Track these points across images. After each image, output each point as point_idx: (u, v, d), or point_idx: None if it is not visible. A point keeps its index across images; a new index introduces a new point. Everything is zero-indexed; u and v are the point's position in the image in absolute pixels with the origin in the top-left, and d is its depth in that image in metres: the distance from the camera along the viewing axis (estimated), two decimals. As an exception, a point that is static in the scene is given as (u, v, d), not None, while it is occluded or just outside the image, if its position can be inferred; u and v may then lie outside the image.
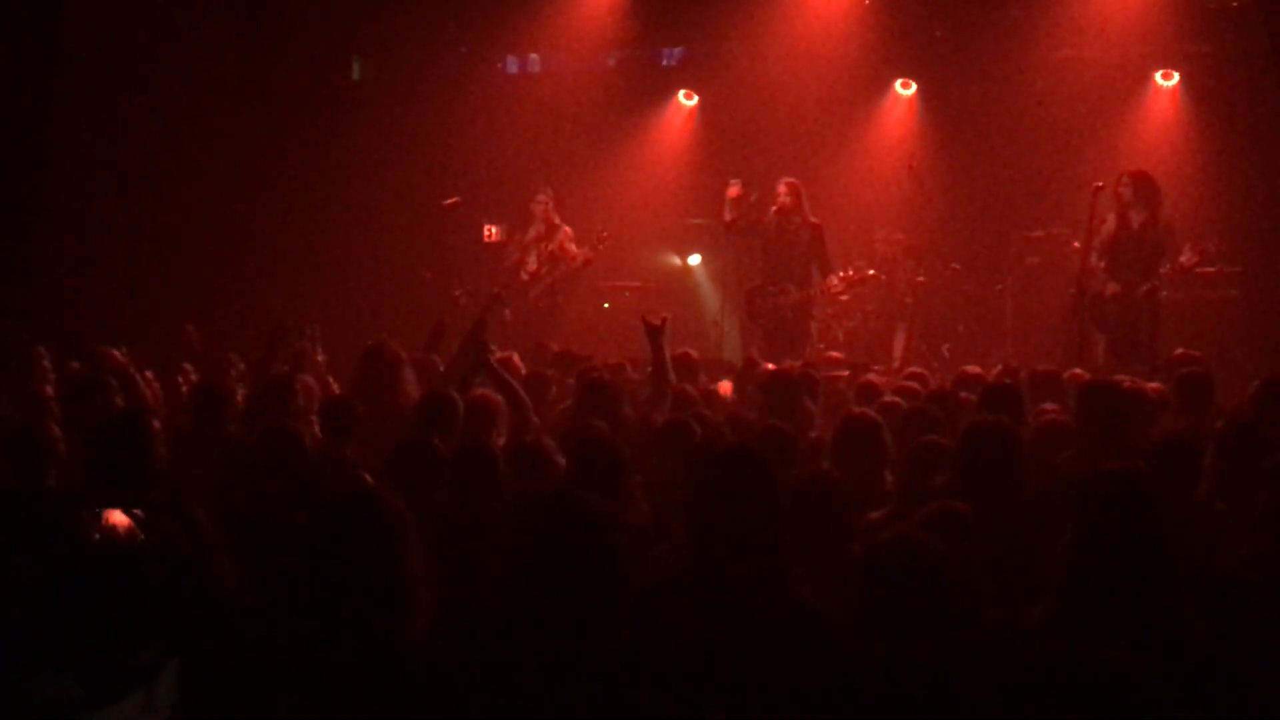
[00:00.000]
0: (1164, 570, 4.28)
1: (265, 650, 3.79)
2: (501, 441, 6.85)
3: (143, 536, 3.89)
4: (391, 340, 8.66)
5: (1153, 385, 8.62)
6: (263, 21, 15.79)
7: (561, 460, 6.19)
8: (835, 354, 11.12)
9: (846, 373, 9.95)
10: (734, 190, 13.30)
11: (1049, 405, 7.73)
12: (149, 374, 8.92)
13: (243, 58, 15.85)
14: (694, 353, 10.20)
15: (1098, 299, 12.04)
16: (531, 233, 14.35)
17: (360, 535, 3.81)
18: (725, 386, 9.90)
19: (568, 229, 14.35)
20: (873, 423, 6.69)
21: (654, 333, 8.25)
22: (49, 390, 8.24)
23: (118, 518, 4.39)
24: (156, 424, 6.13)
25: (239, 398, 8.26)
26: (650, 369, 8.53)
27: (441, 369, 9.07)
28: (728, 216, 13.38)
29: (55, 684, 2.81)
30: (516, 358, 9.53)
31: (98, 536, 4.21)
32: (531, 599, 3.68)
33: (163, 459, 5.87)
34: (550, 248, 14.24)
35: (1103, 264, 12.04)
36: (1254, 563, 4.97)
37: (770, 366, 10.14)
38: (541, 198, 14.40)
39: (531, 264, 14.26)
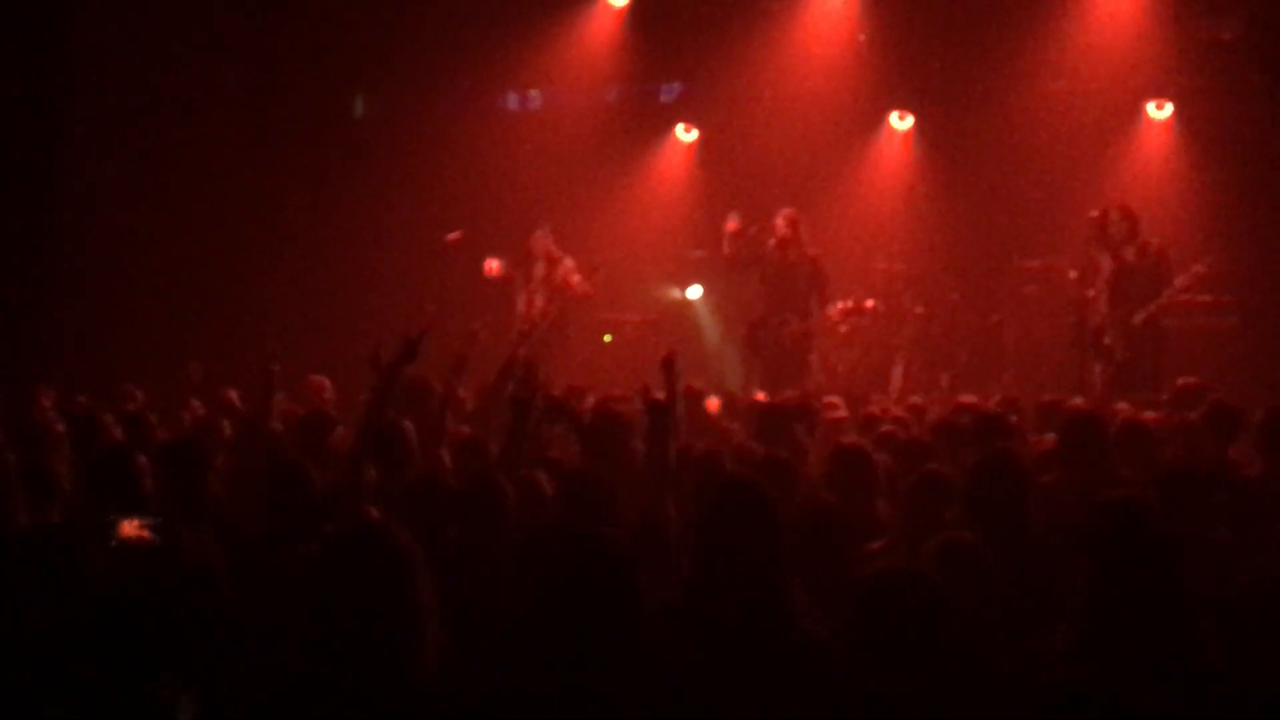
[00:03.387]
0: (1178, 601, 4.30)
1: (274, 684, 3.80)
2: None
3: (155, 547, 3.93)
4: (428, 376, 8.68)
5: (1149, 415, 8.67)
6: (266, 59, 15.89)
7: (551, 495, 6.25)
8: (833, 398, 11.15)
9: (845, 414, 9.96)
10: (732, 225, 13.38)
11: (1050, 435, 7.78)
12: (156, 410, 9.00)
13: (246, 95, 15.95)
14: (698, 384, 10.23)
15: (1098, 329, 12.12)
16: (537, 269, 14.42)
17: (369, 569, 3.81)
18: (713, 403, 9.95)
19: (569, 261, 14.42)
20: (864, 452, 6.76)
21: (668, 367, 8.22)
22: (58, 427, 8.30)
23: (131, 529, 4.44)
24: (143, 460, 6.20)
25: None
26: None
27: (470, 406, 9.13)
28: (727, 250, 13.45)
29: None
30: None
31: (114, 546, 4.26)
32: (547, 634, 3.71)
33: (153, 493, 5.96)
34: (555, 281, 14.32)
35: (1104, 301, 12.13)
36: (1261, 592, 5.00)
37: (760, 396, 10.18)
38: (539, 233, 14.47)
39: (540, 301, 14.33)
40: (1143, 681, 4.04)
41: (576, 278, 14.28)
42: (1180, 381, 9.98)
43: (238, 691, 3.81)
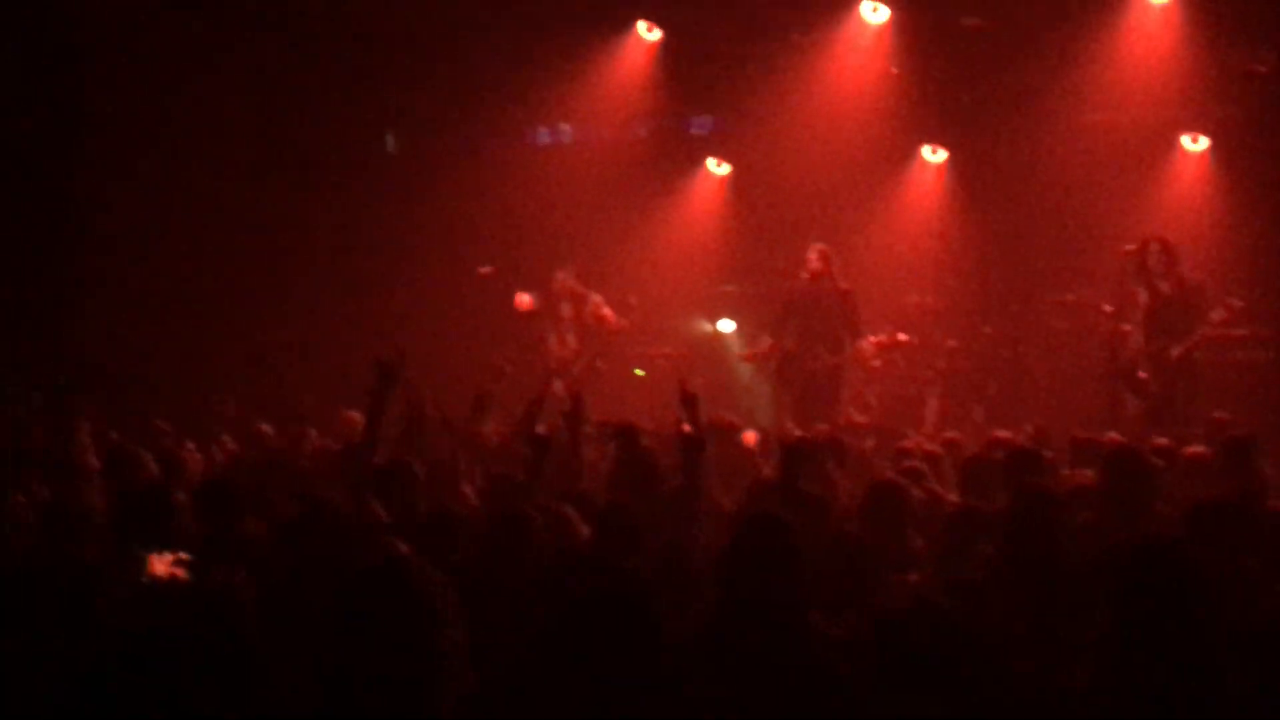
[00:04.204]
0: (1206, 637, 4.27)
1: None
2: None
3: (183, 585, 3.93)
4: (431, 404, 8.72)
5: (1192, 449, 8.60)
6: (297, 94, 16.00)
7: (584, 528, 6.24)
8: (860, 419, 11.15)
9: (872, 442, 9.96)
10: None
11: (1085, 471, 7.73)
12: (190, 445, 9.03)
13: (277, 130, 16.06)
14: (730, 417, 10.21)
15: (1132, 363, 12.05)
16: (564, 309, 14.46)
17: (396, 608, 3.82)
18: (750, 436, 9.92)
19: (595, 296, 14.45)
20: (898, 486, 6.77)
21: (690, 400, 8.23)
22: (92, 462, 8.34)
23: (162, 566, 4.45)
24: (180, 497, 6.22)
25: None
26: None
27: (494, 442, 9.15)
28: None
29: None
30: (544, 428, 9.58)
31: (145, 582, 4.27)
32: (567, 666, 3.71)
33: (188, 531, 5.97)
34: (585, 318, 14.35)
35: (1140, 334, 12.07)
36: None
37: (797, 432, 10.15)
38: (560, 274, 14.52)
39: (572, 341, 14.35)
40: (1166, 717, 4.03)
41: (607, 311, 14.32)
42: (1216, 415, 9.92)
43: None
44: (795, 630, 4.35)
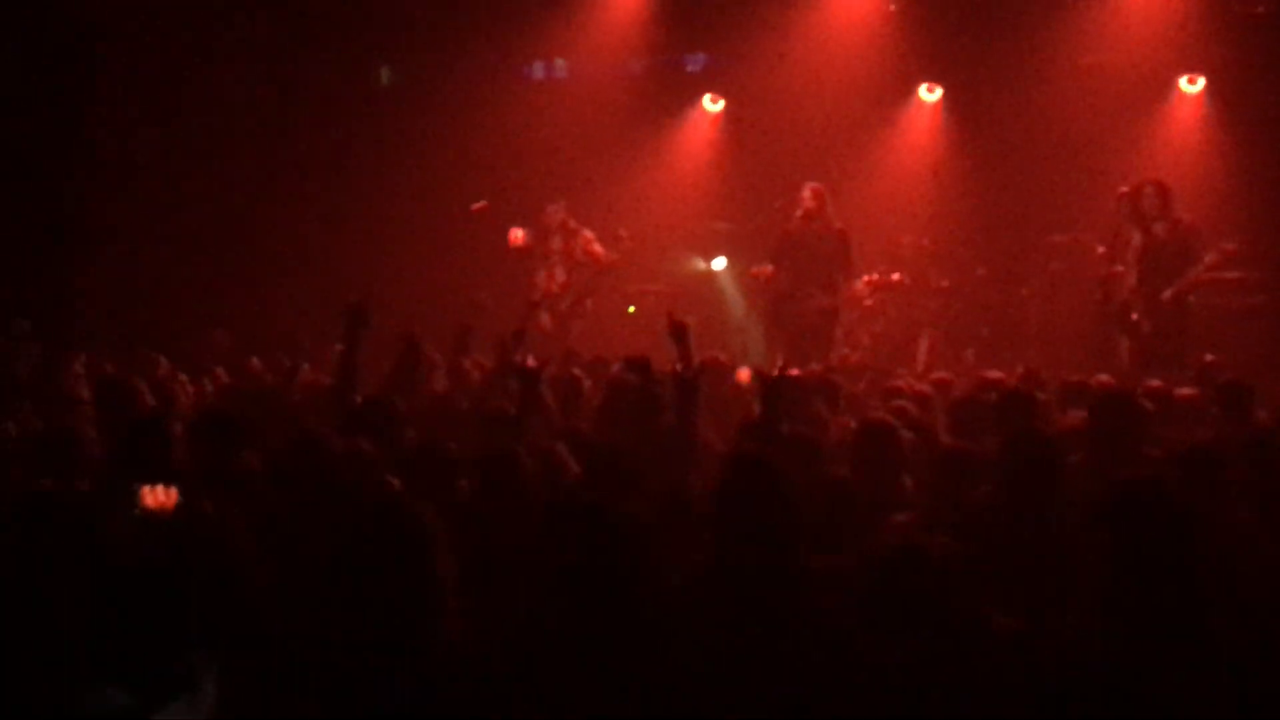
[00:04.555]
0: (1191, 580, 4.30)
1: (299, 654, 3.85)
2: None
3: (177, 518, 3.96)
4: (423, 342, 8.72)
5: (1184, 391, 8.63)
6: (291, 27, 15.87)
7: (574, 466, 6.24)
8: (854, 357, 11.14)
9: (864, 384, 9.94)
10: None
11: (1075, 413, 7.75)
12: (183, 378, 9.02)
13: (271, 63, 15.95)
14: (723, 356, 10.19)
15: (1124, 305, 12.06)
16: (554, 243, 14.45)
17: (390, 542, 3.87)
18: (744, 374, 9.91)
19: (587, 232, 14.43)
20: (890, 427, 6.73)
21: (680, 332, 8.16)
22: (84, 394, 8.33)
23: (154, 499, 4.47)
24: (178, 427, 6.22)
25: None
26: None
27: (476, 375, 9.13)
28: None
29: (106, 692, 2.88)
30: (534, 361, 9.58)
31: (137, 515, 4.30)
32: (567, 605, 3.74)
33: (183, 462, 5.97)
34: (574, 253, 14.34)
35: (1133, 276, 12.07)
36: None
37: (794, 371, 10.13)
38: (551, 208, 14.48)
39: (560, 275, 14.35)
40: (1153, 659, 4.06)
41: (598, 247, 14.31)
42: (1206, 358, 9.95)
43: (262, 662, 3.86)
44: (790, 571, 4.37)
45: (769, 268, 13.23)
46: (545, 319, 13.65)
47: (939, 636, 4.02)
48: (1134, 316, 12.06)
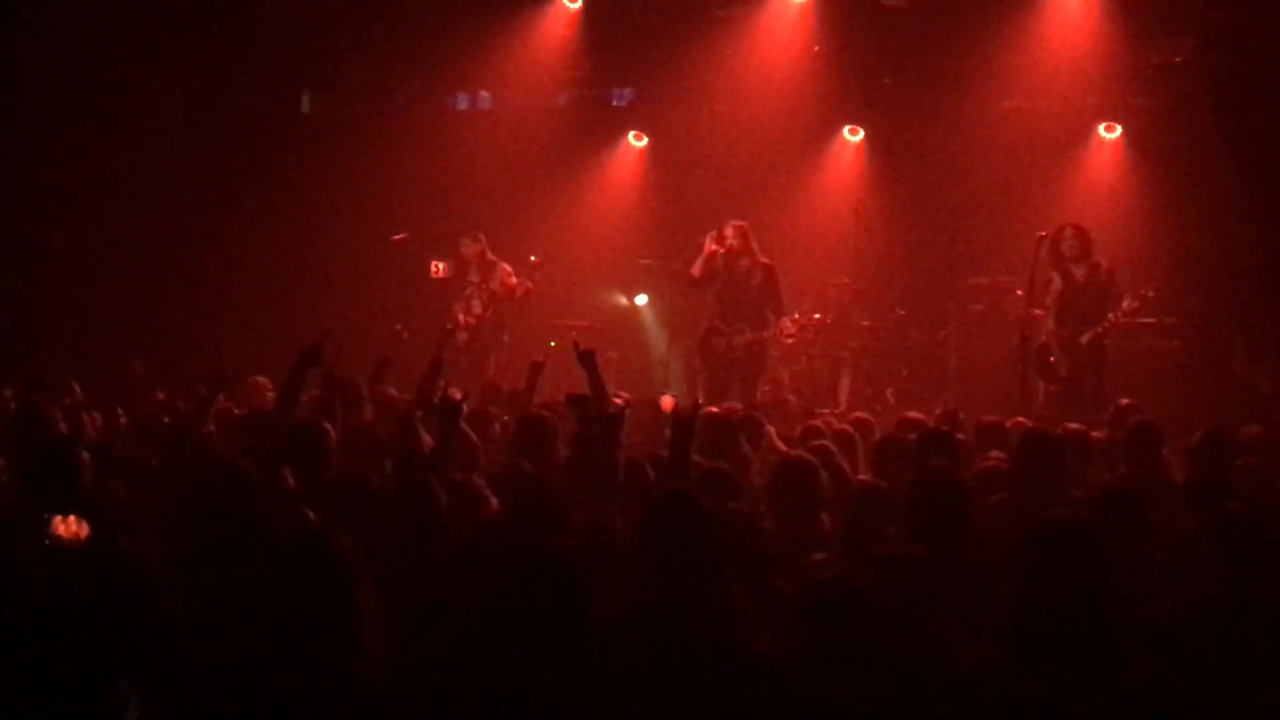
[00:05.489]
0: (1105, 618, 4.33)
1: (220, 686, 3.78)
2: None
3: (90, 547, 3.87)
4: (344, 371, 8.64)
5: (1096, 434, 8.71)
6: (213, 53, 15.72)
7: (492, 499, 6.18)
8: (792, 398, 11.16)
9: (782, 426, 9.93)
10: (711, 247, 13.08)
11: (994, 454, 7.79)
12: (94, 412, 8.89)
13: (193, 88, 15.78)
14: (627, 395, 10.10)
15: (1042, 348, 12.18)
16: (471, 276, 14.43)
17: (310, 574, 3.82)
18: (667, 402, 9.88)
19: (504, 265, 14.42)
20: (809, 465, 6.72)
21: (587, 360, 8.11)
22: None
23: (65, 528, 4.38)
24: (85, 455, 6.10)
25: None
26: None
27: (400, 405, 9.06)
28: (697, 271, 13.15)
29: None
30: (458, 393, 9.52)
31: (48, 544, 4.21)
32: (495, 638, 3.69)
33: (91, 490, 5.86)
34: (491, 286, 14.32)
35: (1051, 319, 12.21)
36: (1195, 612, 5.02)
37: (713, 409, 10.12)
38: (467, 240, 14.46)
39: (476, 307, 14.31)
40: (1064, 696, 4.07)
41: (514, 280, 14.30)
42: (1121, 402, 10.05)
43: (184, 694, 3.79)
44: (716, 606, 4.34)
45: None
46: (460, 336, 13.61)
47: (871, 671, 4.01)
48: (1051, 359, 12.18)
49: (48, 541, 4.73)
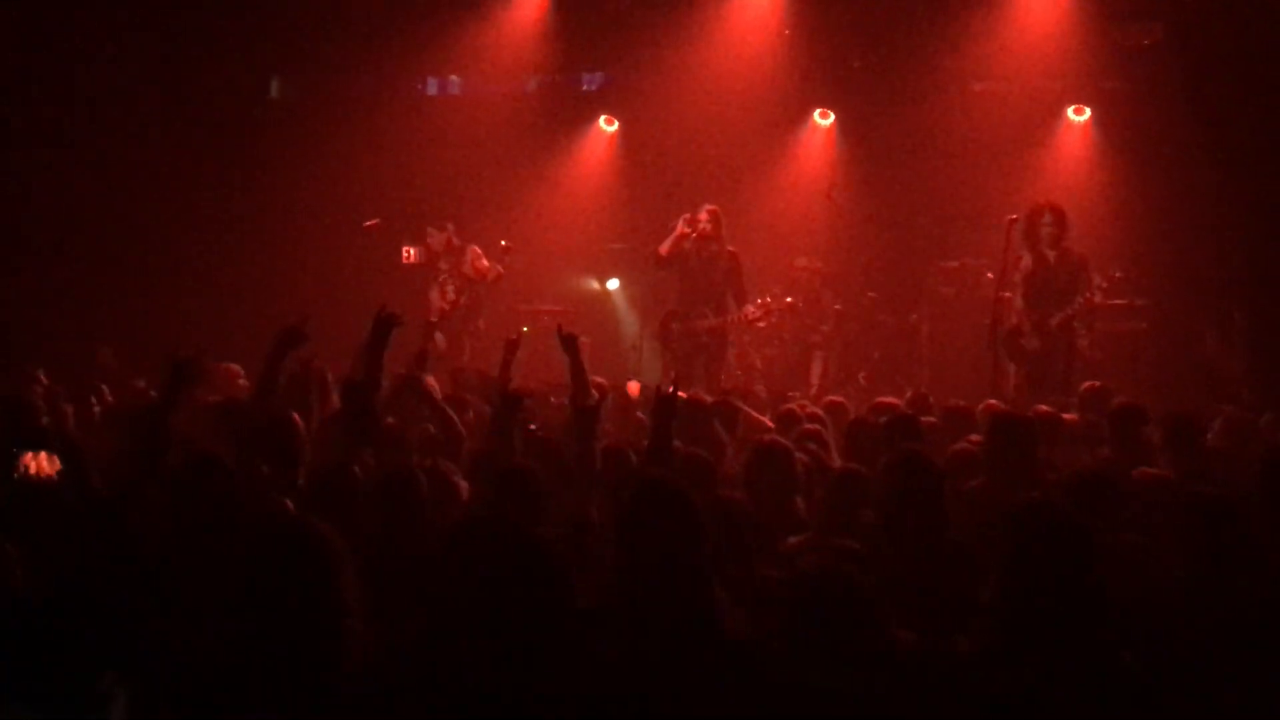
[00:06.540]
0: (1091, 601, 4.34)
1: (206, 676, 3.79)
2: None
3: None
4: (317, 361, 8.60)
5: (1068, 416, 8.75)
6: (181, 38, 15.62)
7: (463, 484, 6.18)
8: (760, 390, 11.17)
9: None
10: (683, 229, 13.09)
11: (972, 437, 7.82)
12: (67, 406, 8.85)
13: (161, 74, 15.68)
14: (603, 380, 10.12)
15: (1013, 331, 12.21)
16: (442, 265, 14.45)
17: (293, 562, 3.82)
18: (633, 387, 9.88)
19: (474, 248, 14.44)
20: (784, 449, 6.73)
21: (570, 343, 8.10)
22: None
23: (36, 465, 4.37)
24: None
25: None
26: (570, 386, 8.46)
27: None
28: (665, 250, 13.16)
29: (11, 711, 2.80)
30: (432, 380, 9.49)
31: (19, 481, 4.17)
32: (477, 629, 3.70)
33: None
34: (464, 269, 14.34)
35: (1020, 299, 12.23)
36: (1170, 596, 5.06)
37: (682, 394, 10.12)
38: (433, 230, 14.48)
39: (451, 293, 14.32)
40: (1052, 681, 4.09)
41: (484, 262, 14.32)
42: (1086, 385, 10.10)
43: (170, 684, 3.79)
44: (694, 595, 4.35)
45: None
46: (440, 339, 13.62)
47: (855, 657, 4.02)
48: (1022, 342, 12.22)
49: (18, 477, 4.71)
